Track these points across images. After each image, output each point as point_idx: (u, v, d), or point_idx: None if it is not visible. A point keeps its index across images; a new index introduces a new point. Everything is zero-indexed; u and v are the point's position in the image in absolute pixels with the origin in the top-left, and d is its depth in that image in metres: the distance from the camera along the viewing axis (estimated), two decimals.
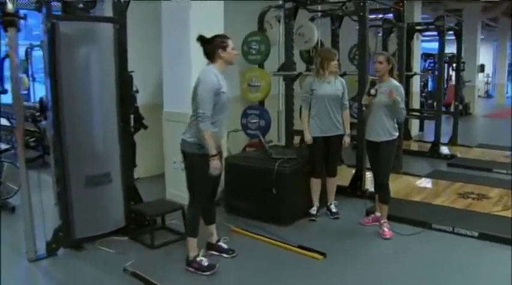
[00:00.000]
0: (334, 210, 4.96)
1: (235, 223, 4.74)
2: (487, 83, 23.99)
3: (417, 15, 10.52)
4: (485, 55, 20.07)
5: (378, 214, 4.65)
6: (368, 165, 4.94)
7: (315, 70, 4.74)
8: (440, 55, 8.62)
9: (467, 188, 5.91)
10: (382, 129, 4.36)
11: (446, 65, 18.06)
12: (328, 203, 5.01)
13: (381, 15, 7.99)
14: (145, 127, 5.24)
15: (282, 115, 6.39)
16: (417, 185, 6.15)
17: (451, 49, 19.41)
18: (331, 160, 4.84)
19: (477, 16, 14.80)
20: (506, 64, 20.59)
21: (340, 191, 5.28)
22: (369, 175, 5.42)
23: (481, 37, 16.35)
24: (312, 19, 7.16)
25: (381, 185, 4.47)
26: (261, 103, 6.43)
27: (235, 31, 6.75)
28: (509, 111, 18.01)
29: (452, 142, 9.18)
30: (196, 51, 4.96)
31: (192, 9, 5.05)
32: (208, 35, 5.04)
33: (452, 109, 9.75)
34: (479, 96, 18.00)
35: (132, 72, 4.69)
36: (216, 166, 3.47)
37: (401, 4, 6.22)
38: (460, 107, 11.41)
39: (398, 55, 6.61)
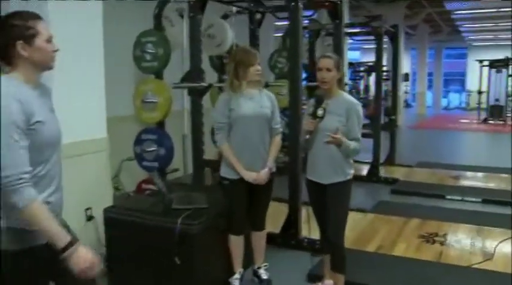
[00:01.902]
0: (264, 277, 3.60)
1: None
2: (405, 92, 24.03)
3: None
4: (403, 63, 19.88)
5: (328, 282, 3.36)
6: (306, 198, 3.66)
7: (228, 82, 3.36)
8: (377, 64, 7.61)
9: (427, 226, 4.84)
10: (331, 166, 3.10)
11: (366, 74, 17.85)
12: (256, 267, 3.65)
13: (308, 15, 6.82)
14: None
15: (188, 139, 4.97)
16: (366, 225, 4.95)
17: (371, 57, 19.24)
18: (258, 209, 3.49)
19: (400, 23, 14.31)
20: (426, 73, 20.55)
21: (269, 240, 3.90)
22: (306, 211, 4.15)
23: None
24: (225, 16, 5.87)
25: (332, 245, 3.18)
26: (160, 124, 4.96)
27: (124, 29, 5.34)
28: (433, 121, 17.89)
29: (389, 161, 8.21)
30: (61, 59, 3.50)
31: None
32: (79, 35, 3.67)
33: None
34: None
35: None
36: (82, 265, 1.84)
37: None
38: (386, 119, 10.67)
39: None
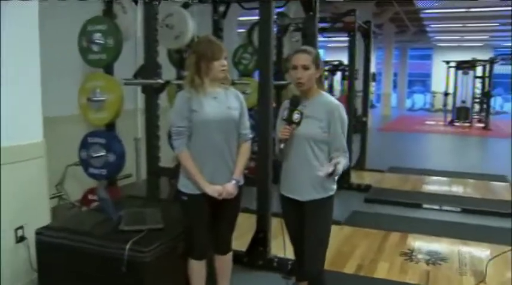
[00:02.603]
0: None
1: None
2: (370, 93, 23.98)
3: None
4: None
5: None
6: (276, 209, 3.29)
7: (188, 78, 2.84)
8: (350, 62, 7.23)
9: (409, 241, 4.52)
10: (310, 180, 2.65)
11: (330, 74, 17.56)
12: None
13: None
14: None
15: (141, 143, 4.45)
16: (342, 240, 4.52)
17: (335, 56, 19.01)
18: (223, 229, 3.00)
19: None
20: (391, 73, 20.48)
21: (234, 259, 3.38)
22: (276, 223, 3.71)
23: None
24: (186, 5, 5.34)
25: (310, 274, 2.73)
26: (110, 126, 4.42)
27: (70, 14, 4.75)
28: (399, 122, 17.81)
29: (360, 166, 7.87)
30: None
31: None
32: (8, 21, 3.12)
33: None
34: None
35: None
36: None
37: None
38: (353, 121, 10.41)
39: None
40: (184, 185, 2.83)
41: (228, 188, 2.78)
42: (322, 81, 2.76)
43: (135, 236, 2.73)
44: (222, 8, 5.66)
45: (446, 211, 5.69)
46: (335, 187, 2.75)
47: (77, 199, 4.97)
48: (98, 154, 4.23)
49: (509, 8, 13.37)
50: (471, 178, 7.41)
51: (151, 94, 4.06)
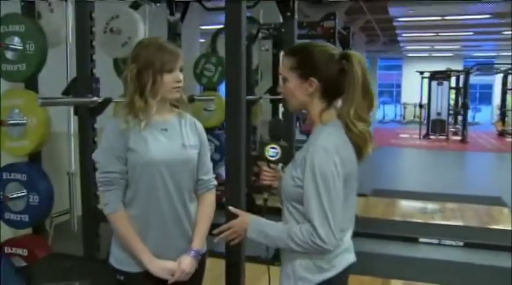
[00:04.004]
0: None
1: None
2: None
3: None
4: None
5: None
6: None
7: (126, 100, 1.91)
8: None
9: None
10: (286, 256, 1.78)
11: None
12: None
13: None
14: None
15: (76, 178, 3.52)
16: None
17: None
18: None
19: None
20: None
21: None
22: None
23: None
24: (136, 5, 4.48)
25: None
26: (33, 157, 3.47)
27: None
28: (374, 135, 17.23)
29: None
30: None
31: None
32: None
33: None
34: None
35: None
36: None
37: None
38: None
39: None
40: (118, 260, 1.92)
41: (183, 265, 1.88)
42: (331, 103, 1.73)
43: None
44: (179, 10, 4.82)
45: (446, 245, 4.96)
46: (317, 278, 1.71)
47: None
48: (17, 195, 3.29)
49: (484, 17, 13.05)
50: (463, 201, 6.72)
51: (86, 116, 3.14)
